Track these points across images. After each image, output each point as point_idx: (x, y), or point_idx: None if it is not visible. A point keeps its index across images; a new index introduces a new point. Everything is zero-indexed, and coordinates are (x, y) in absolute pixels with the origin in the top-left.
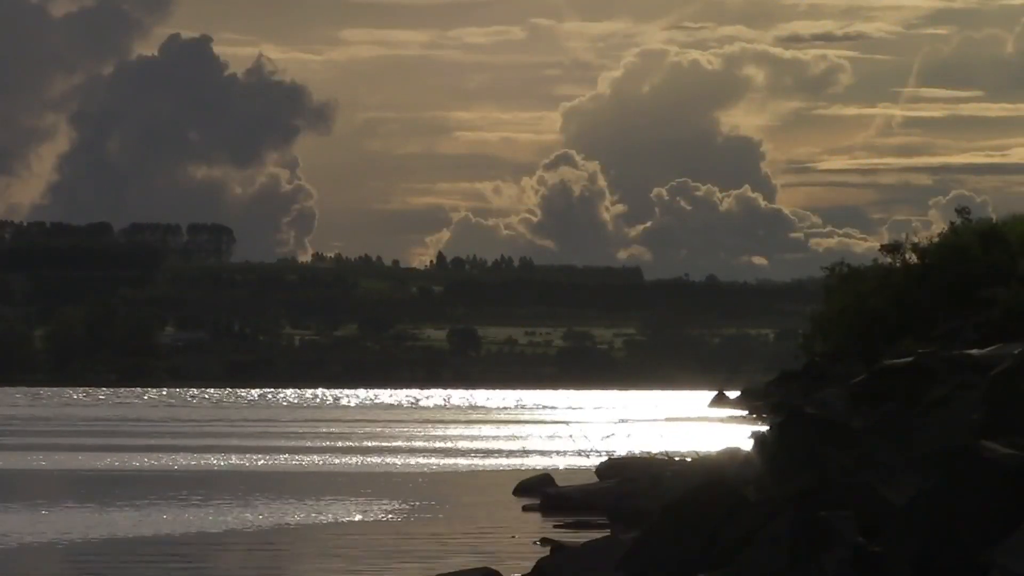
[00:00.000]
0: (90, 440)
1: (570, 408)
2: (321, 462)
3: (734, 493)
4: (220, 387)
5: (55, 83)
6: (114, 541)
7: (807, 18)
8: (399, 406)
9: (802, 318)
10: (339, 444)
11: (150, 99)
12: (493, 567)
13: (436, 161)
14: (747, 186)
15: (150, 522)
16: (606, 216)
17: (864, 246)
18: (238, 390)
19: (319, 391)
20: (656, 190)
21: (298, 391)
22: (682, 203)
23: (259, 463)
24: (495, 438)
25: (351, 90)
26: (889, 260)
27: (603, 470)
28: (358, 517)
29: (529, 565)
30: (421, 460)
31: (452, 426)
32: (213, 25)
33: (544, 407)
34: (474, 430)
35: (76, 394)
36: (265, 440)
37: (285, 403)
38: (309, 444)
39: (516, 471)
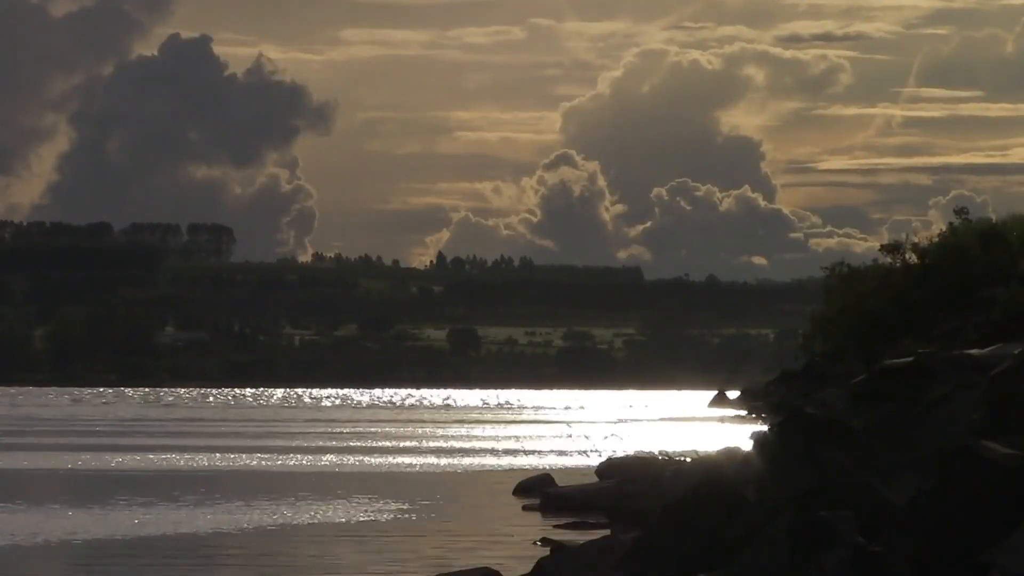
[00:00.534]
0: (90, 440)
1: (570, 408)
2: (321, 462)
3: (734, 493)
4: (220, 387)
5: (55, 83)
6: (114, 541)
7: (807, 18)
8: (399, 406)
9: (802, 318)
10: (339, 444)
11: (150, 99)
12: (493, 567)
13: (436, 161)
14: (747, 186)
15: (150, 522)
16: (606, 216)
17: (864, 246)
18: (238, 390)
19: (319, 391)
20: (656, 190)
21: (298, 391)
22: (682, 203)
23: (259, 463)
24: (495, 438)
25: (351, 90)
26: (889, 260)
27: (603, 470)
28: (358, 517)
29: (529, 565)
30: (421, 460)
31: (452, 426)
32: (213, 25)
33: (544, 407)
34: (474, 430)
35: (76, 394)
36: (265, 440)
37: (285, 403)
38: (309, 444)
39: (516, 471)
